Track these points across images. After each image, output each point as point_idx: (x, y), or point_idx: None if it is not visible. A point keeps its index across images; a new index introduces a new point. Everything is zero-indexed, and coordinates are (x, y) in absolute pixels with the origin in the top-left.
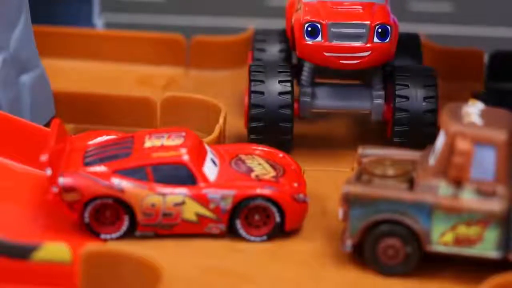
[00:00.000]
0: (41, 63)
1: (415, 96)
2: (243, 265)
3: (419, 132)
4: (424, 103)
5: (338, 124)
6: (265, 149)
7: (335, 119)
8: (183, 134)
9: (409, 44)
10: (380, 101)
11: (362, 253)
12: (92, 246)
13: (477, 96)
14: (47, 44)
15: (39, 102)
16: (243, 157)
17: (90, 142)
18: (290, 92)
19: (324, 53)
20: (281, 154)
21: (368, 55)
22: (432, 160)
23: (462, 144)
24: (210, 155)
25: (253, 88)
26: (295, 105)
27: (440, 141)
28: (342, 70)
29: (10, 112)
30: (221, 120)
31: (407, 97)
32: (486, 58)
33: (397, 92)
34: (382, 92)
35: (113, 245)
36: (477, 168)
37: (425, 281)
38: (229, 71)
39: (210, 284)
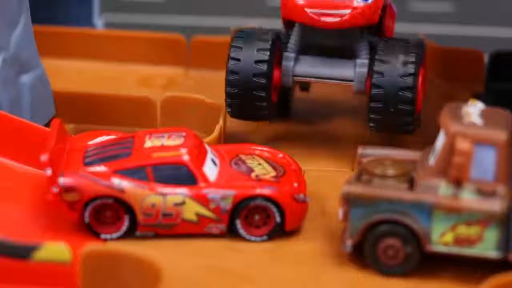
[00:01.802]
0: (41, 63)
1: (391, 72)
2: (243, 265)
3: (394, 110)
4: (401, 80)
5: (338, 124)
6: (265, 149)
7: (335, 119)
8: (183, 134)
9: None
10: (363, 69)
11: (362, 253)
12: (92, 246)
13: (477, 96)
14: (47, 44)
15: (39, 102)
16: (243, 157)
17: (90, 142)
18: (267, 61)
19: (305, 9)
20: (281, 154)
21: (348, 13)
22: (432, 160)
23: (462, 144)
24: (210, 155)
25: (231, 54)
26: (277, 73)
27: (440, 141)
28: (328, 40)
29: (10, 112)
30: (221, 120)
31: (382, 73)
32: (486, 58)
33: (374, 68)
34: (366, 61)
35: (113, 245)
36: (477, 168)
37: (425, 281)
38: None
39: (210, 284)
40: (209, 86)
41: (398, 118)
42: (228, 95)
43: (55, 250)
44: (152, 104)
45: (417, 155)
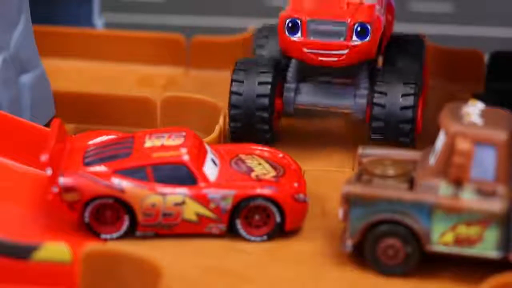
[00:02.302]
0: (41, 63)
1: (393, 92)
2: (243, 265)
3: (395, 129)
4: (401, 100)
5: (338, 124)
6: (265, 149)
7: (335, 119)
8: (183, 134)
9: (411, 46)
10: (363, 100)
11: (362, 253)
12: (92, 246)
13: (477, 96)
14: (47, 44)
15: (39, 102)
16: (243, 157)
17: (90, 142)
18: (268, 95)
19: (304, 49)
20: (281, 154)
21: (346, 53)
22: (432, 160)
23: (462, 144)
24: (210, 155)
25: (232, 89)
26: (279, 101)
27: (440, 141)
28: (328, 67)
29: (10, 112)
30: (221, 120)
31: (385, 93)
32: (486, 58)
33: (375, 88)
34: (365, 92)
35: (113, 245)
36: (477, 168)
37: (425, 281)
38: (229, 71)
39: (210, 284)
40: (209, 86)
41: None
42: (232, 129)
43: (55, 250)
44: (152, 104)
45: (417, 155)
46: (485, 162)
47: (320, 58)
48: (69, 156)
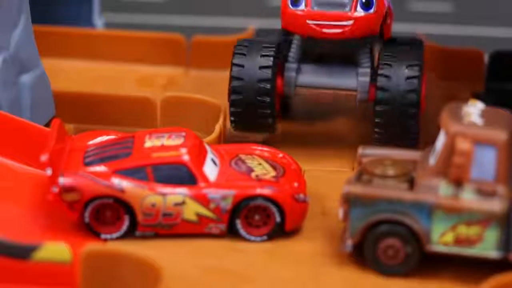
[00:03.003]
0: (41, 63)
1: (397, 75)
2: (243, 265)
3: (400, 111)
4: (406, 83)
5: (338, 124)
6: (265, 149)
7: (335, 119)
8: (183, 134)
9: (411, 42)
10: (366, 78)
11: (362, 253)
12: (92, 246)
13: (477, 96)
14: (47, 44)
15: (39, 102)
16: (243, 157)
17: (90, 142)
18: (271, 67)
19: (307, 21)
20: (281, 154)
21: (350, 25)
22: (432, 160)
23: (462, 144)
24: (210, 155)
25: (234, 61)
26: (280, 81)
27: (440, 141)
28: (329, 48)
29: (10, 112)
30: (221, 120)
31: (388, 76)
32: (486, 58)
33: (379, 71)
34: (368, 70)
35: (113, 245)
36: (477, 168)
37: (425, 281)
38: (229, 71)
39: (210, 284)
40: (209, 86)
41: (402, 130)
42: (232, 103)
43: (55, 250)
44: (152, 104)
45: (417, 155)
46: (485, 162)
47: (324, 30)
48: (69, 156)
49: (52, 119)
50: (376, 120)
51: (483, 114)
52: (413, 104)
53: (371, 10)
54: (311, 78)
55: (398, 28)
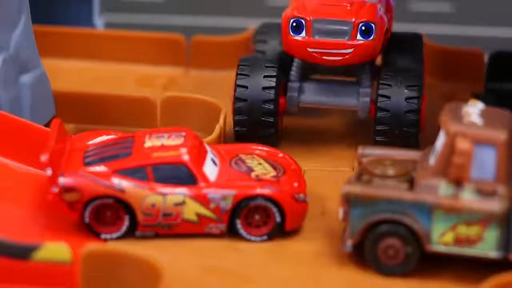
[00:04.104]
0: (41, 63)
1: (397, 96)
2: (243, 265)
3: (400, 132)
4: (406, 103)
5: (338, 124)
6: (265, 149)
7: (335, 119)
8: (183, 134)
9: (411, 44)
10: (366, 99)
11: (362, 253)
12: (92, 246)
13: (477, 96)
14: (47, 44)
15: (39, 102)
16: (243, 157)
17: (90, 142)
18: (274, 88)
19: (308, 49)
20: (281, 154)
21: (350, 52)
22: (432, 160)
23: (462, 144)
24: (210, 155)
25: (238, 82)
26: (282, 100)
27: (440, 141)
28: (330, 70)
29: (10, 112)
30: (221, 120)
31: (388, 97)
32: (486, 58)
33: (379, 92)
34: (369, 90)
35: (113, 245)
36: (477, 168)
37: (425, 281)
38: (229, 71)
39: (210, 284)
40: (209, 86)
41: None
42: (237, 122)
43: (55, 250)
44: (152, 104)
45: (417, 155)
46: (485, 162)
47: (324, 57)
48: (69, 156)
49: (52, 119)
50: (377, 139)
51: (483, 114)
52: (413, 124)
53: (371, 38)
54: (313, 97)
55: (398, 28)
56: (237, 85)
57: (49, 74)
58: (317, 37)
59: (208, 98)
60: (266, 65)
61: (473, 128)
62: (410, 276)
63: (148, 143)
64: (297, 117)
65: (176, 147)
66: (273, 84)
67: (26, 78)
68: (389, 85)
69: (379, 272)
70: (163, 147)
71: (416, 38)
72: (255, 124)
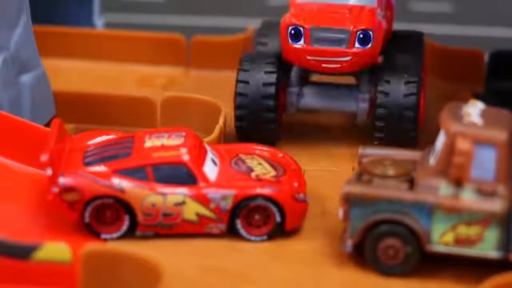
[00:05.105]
0: (41, 63)
1: (395, 92)
2: (243, 265)
3: (399, 128)
4: (404, 100)
5: (338, 124)
6: (265, 148)
7: (335, 118)
8: (183, 134)
9: (411, 42)
10: (365, 105)
11: (362, 253)
12: (92, 246)
13: (477, 96)
14: (47, 44)
15: (39, 102)
16: (243, 156)
17: (90, 142)
18: (275, 84)
19: (307, 56)
20: (280, 154)
21: (349, 60)
22: (432, 160)
23: (462, 144)
24: (210, 155)
25: (239, 77)
26: (283, 96)
27: (440, 141)
28: (329, 76)
29: (10, 112)
30: (221, 120)
31: (387, 93)
32: (486, 58)
33: (378, 88)
34: (367, 95)
35: (113, 245)
36: (477, 168)
37: (425, 281)
38: (229, 71)
39: (210, 284)
40: (209, 86)
41: (401, 143)
42: (237, 118)
43: (55, 250)
44: (152, 104)
45: (417, 155)
46: (485, 162)
47: (323, 65)
48: (69, 156)
49: (52, 119)
50: (376, 135)
51: (483, 114)
52: (412, 120)
53: (369, 46)
54: (312, 102)
55: (398, 28)
56: (238, 80)
57: (49, 74)
58: (315, 45)
59: (208, 98)
60: (267, 61)
61: (473, 128)
62: (410, 276)
63: (148, 143)
64: (297, 117)
65: (176, 147)
66: (274, 80)
67: (26, 78)
68: (388, 81)
69: (379, 272)
70: (163, 147)
71: (416, 36)
72: (256, 119)
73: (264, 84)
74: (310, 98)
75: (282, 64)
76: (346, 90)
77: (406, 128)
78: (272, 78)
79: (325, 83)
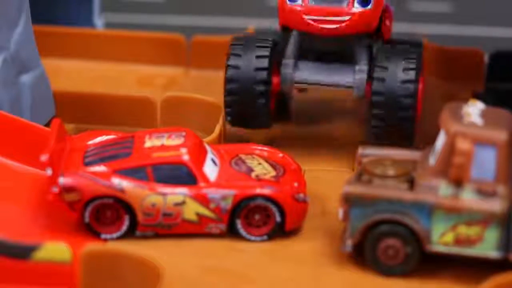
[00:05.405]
0: (41, 63)
1: (392, 79)
2: (243, 265)
3: (395, 115)
4: (401, 87)
5: (338, 124)
6: (265, 148)
7: (335, 119)
8: (183, 134)
9: (411, 42)
10: (362, 76)
11: (362, 253)
12: (92, 246)
13: (477, 96)
14: (47, 44)
15: (39, 102)
16: (243, 157)
17: (90, 142)
18: (266, 68)
19: (304, 17)
20: (280, 154)
21: (347, 20)
22: (432, 160)
23: (462, 144)
24: (210, 155)
25: (229, 62)
26: (275, 81)
27: (440, 141)
28: (327, 45)
29: (10, 112)
30: (221, 120)
31: (384, 79)
32: (486, 58)
33: (375, 75)
34: (365, 67)
35: (113, 245)
36: (477, 168)
37: (425, 281)
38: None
39: (210, 284)
40: (209, 86)
41: (399, 126)
42: (227, 104)
43: (55, 250)
44: (152, 104)
45: (417, 155)
46: (485, 162)
47: (321, 26)
48: (69, 156)
49: (52, 119)
50: (373, 124)
51: (483, 114)
52: (409, 107)
53: (369, 6)
54: (307, 76)
55: (398, 28)
56: (228, 65)
57: (49, 74)
58: (313, 4)
59: (208, 98)
60: (258, 44)
61: (473, 128)
62: (410, 276)
63: (148, 143)
64: (297, 118)
65: (176, 147)
66: (266, 64)
67: (26, 78)
68: (385, 67)
69: (379, 272)
70: (163, 147)
71: (415, 42)
72: (247, 106)
73: (256, 69)
74: (305, 72)
75: (276, 42)
76: (343, 65)
77: (403, 116)
78: (264, 63)
79: (322, 58)
